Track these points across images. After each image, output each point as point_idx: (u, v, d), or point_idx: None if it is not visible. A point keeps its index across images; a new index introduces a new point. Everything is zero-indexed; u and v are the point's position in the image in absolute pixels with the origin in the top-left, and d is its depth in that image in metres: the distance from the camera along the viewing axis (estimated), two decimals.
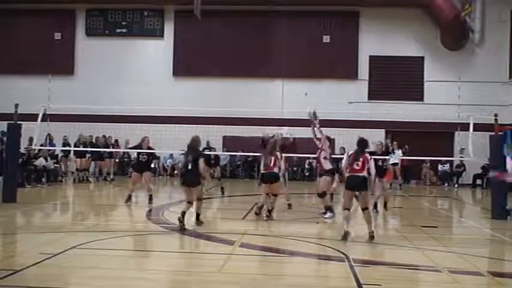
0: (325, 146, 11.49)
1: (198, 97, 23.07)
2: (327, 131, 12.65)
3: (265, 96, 23.17)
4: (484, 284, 6.50)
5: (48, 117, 16.20)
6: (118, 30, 24.99)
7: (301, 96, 22.36)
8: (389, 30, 23.82)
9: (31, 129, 14.68)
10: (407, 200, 16.63)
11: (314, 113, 12.13)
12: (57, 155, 20.01)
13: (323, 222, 10.85)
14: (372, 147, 14.74)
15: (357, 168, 8.70)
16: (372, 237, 8.66)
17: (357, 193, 8.98)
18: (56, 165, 19.32)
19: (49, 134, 19.50)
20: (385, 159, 13.06)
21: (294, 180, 21.65)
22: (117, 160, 22.70)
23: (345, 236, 8.62)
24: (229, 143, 23.12)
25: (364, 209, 8.86)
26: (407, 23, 23.80)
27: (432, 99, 23.39)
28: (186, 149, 10.21)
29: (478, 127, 13.98)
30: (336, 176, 11.48)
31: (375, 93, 23.87)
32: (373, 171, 8.90)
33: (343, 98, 23.14)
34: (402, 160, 18.99)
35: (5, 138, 13.91)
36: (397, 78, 23.72)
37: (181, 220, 9.23)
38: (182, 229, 9.16)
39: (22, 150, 15.75)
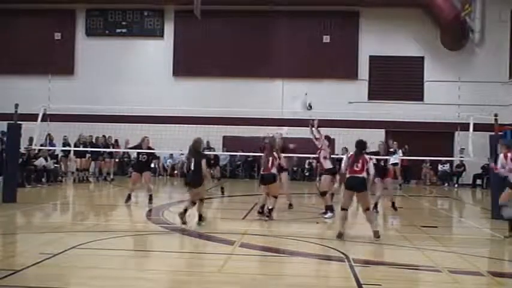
0: (324, 145, 11.58)
1: (198, 97, 23.07)
2: (327, 131, 12.67)
3: (265, 96, 23.16)
4: (484, 284, 6.50)
5: (48, 117, 16.19)
6: (118, 30, 24.99)
7: (300, 96, 22.33)
8: (389, 30, 23.82)
9: (31, 129, 14.67)
10: (407, 200, 16.62)
11: (309, 104, 12.23)
12: (57, 155, 20.01)
13: (323, 222, 10.85)
14: (372, 148, 14.81)
15: (357, 169, 8.85)
16: (377, 236, 8.72)
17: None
18: (56, 165, 19.32)
19: (49, 134, 19.49)
20: (387, 159, 13.07)
21: (294, 180, 21.64)
22: (117, 160, 22.70)
23: (340, 236, 8.76)
24: (229, 143, 23.11)
25: (366, 209, 8.98)
26: (407, 23, 23.81)
27: (432, 99, 23.39)
28: (188, 151, 10.38)
29: (478, 127, 13.98)
30: (337, 177, 11.51)
31: (375, 93, 23.87)
32: (372, 172, 9.03)
33: (343, 98, 23.14)
34: (402, 160, 18.98)
35: (5, 138, 13.91)
36: (397, 78, 23.73)
37: (182, 215, 9.66)
38: (183, 222, 9.59)
39: (22, 150, 15.75)
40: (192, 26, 23.78)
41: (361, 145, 9.12)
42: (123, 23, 25.02)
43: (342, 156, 13.77)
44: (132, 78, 24.38)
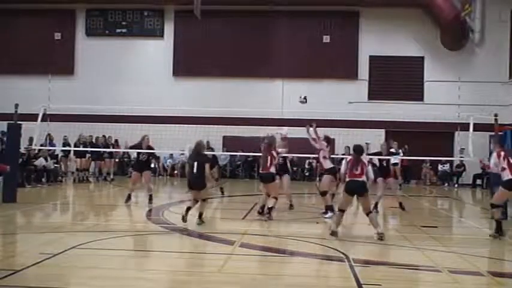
0: (322, 146, 11.62)
1: (198, 97, 23.07)
2: (327, 131, 12.69)
3: (265, 96, 23.16)
4: (484, 284, 6.50)
5: (48, 117, 16.20)
6: (118, 30, 25.00)
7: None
8: (389, 30, 23.82)
9: (31, 129, 14.69)
10: (407, 200, 16.57)
11: (305, 98, 12.35)
12: (57, 155, 20.01)
13: (323, 222, 10.85)
14: (373, 149, 14.82)
15: (356, 173, 8.90)
16: (381, 238, 8.73)
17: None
18: (56, 165, 19.32)
19: (49, 134, 19.50)
20: (389, 159, 13.08)
21: (294, 180, 21.60)
22: (117, 160, 22.70)
23: (333, 234, 8.89)
24: (229, 143, 23.12)
25: (368, 213, 9.03)
26: (407, 23, 23.81)
27: (432, 99, 23.39)
28: (189, 153, 10.60)
29: (478, 127, 13.99)
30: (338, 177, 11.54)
31: (375, 93, 23.87)
32: (371, 175, 9.16)
33: (343, 98, 23.15)
34: (402, 160, 18.98)
35: (5, 138, 13.91)
36: (397, 78, 23.73)
37: (184, 215, 9.78)
38: (184, 220, 9.69)
39: (22, 150, 15.76)
40: (192, 26, 23.78)
41: (358, 149, 9.22)
42: (123, 23, 25.02)
43: (342, 156, 13.82)
44: (132, 78, 24.39)
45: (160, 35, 24.94)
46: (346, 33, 24.29)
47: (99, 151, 19.79)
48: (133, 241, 8.82)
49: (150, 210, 12.03)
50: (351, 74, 24.09)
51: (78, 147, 19.13)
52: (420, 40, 23.96)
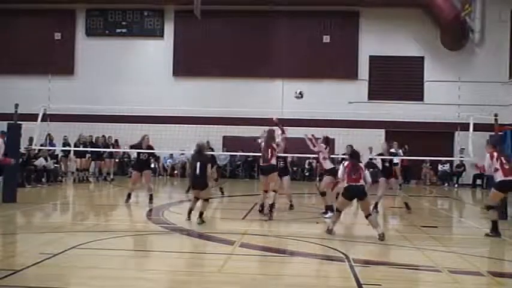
0: (321, 148, 11.85)
1: (198, 97, 23.07)
2: (327, 131, 12.70)
3: (265, 96, 23.15)
4: (484, 284, 6.50)
5: (48, 117, 16.20)
6: (118, 30, 24.99)
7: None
8: (389, 30, 23.82)
9: (31, 129, 14.68)
10: (407, 200, 16.59)
11: (300, 93, 12.53)
12: (57, 155, 20.01)
13: (323, 222, 10.84)
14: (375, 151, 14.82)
15: (355, 177, 9.02)
16: (381, 238, 8.74)
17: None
18: (56, 165, 19.31)
19: (49, 134, 19.50)
20: (391, 159, 13.10)
21: (294, 180, 21.61)
22: (117, 160, 22.70)
23: (329, 231, 9.12)
24: (229, 143, 23.12)
25: (368, 215, 9.09)
26: (407, 23, 23.80)
27: (432, 99, 23.39)
28: (193, 154, 10.85)
29: (478, 127, 13.98)
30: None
31: (375, 93, 23.86)
32: (368, 180, 9.29)
33: (343, 98, 23.15)
34: (402, 160, 18.98)
35: (5, 138, 13.89)
36: (397, 78, 23.72)
37: (189, 213, 10.31)
38: (189, 218, 10.18)
39: (22, 150, 15.75)
40: (192, 26, 23.78)
41: (355, 155, 9.44)
42: (123, 23, 25.02)
43: (343, 156, 13.84)
44: (132, 78, 24.38)
45: (160, 35, 24.94)
46: (346, 33, 24.28)
47: (99, 151, 19.80)
48: (134, 241, 8.82)
49: (150, 210, 12.04)
50: (351, 74, 24.09)
51: (78, 147, 19.13)
52: (420, 40, 23.95)
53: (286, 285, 6.19)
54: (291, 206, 12.57)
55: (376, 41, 23.90)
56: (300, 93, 12.70)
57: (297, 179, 22.72)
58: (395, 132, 21.64)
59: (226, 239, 8.61)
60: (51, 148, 19.16)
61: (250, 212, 11.95)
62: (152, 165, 16.53)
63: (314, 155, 13.80)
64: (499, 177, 9.45)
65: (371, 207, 10.06)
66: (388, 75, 23.82)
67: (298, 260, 7.62)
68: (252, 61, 23.97)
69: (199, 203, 10.49)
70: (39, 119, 14.47)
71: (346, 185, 9.09)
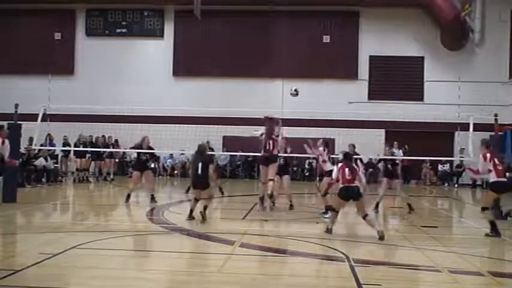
0: (319, 152, 12.02)
1: (198, 97, 23.07)
2: (327, 131, 12.72)
3: (265, 96, 23.11)
4: (484, 284, 6.50)
5: (48, 117, 16.22)
6: (118, 30, 25.00)
7: (300, 96, 22.26)
8: (389, 30, 23.82)
9: (31, 129, 14.69)
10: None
11: (296, 90, 12.68)
12: (57, 155, 20.02)
13: (323, 222, 10.84)
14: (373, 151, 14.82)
15: (349, 178, 9.07)
16: (381, 237, 8.73)
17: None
18: (56, 165, 19.32)
19: (49, 134, 19.51)
20: (395, 160, 13.12)
21: (294, 180, 21.61)
22: (117, 160, 22.70)
23: (328, 231, 9.18)
24: (229, 143, 23.12)
25: (365, 216, 9.10)
26: (407, 23, 23.80)
27: (432, 99, 23.39)
28: (194, 154, 10.96)
29: (478, 127, 13.99)
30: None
31: (375, 93, 23.87)
32: (363, 180, 9.38)
33: (343, 98, 23.14)
34: (402, 160, 18.96)
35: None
36: (397, 78, 23.73)
37: (191, 213, 10.42)
38: (190, 218, 10.33)
39: (22, 150, 15.75)
40: (192, 26, 23.78)
41: (349, 156, 9.63)
42: (123, 23, 25.02)
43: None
44: (132, 78, 24.38)
45: (160, 35, 24.94)
46: (346, 33, 24.29)
47: (99, 151, 19.80)
48: (134, 241, 8.82)
49: (151, 210, 12.04)
50: (351, 74, 24.09)
51: (78, 147, 19.13)
52: (420, 40, 23.95)
53: (286, 285, 6.18)
54: (291, 206, 12.58)
55: (376, 41, 23.90)
56: (296, 90, 12.79)
57: (297, 179, 22.71)
58: (395, 132, 21.60)
59: (226, 239, 8.60)
60: (51, 148, 19.16)
61: (250, 212, 11.95)
62: (152, 165, 16.53)
63: (314, 155, 13.83)
64: (492, 177, 9.47)
65: (371, 207, 10.05)
66: (388, 75, 23.82)
67: (298, 260, 7.61)
68: (252, 61, 23.97)
69: (199, 204, 10.51)
70: (39, 119, 14.49)
71: (341, 185, 9.15)
